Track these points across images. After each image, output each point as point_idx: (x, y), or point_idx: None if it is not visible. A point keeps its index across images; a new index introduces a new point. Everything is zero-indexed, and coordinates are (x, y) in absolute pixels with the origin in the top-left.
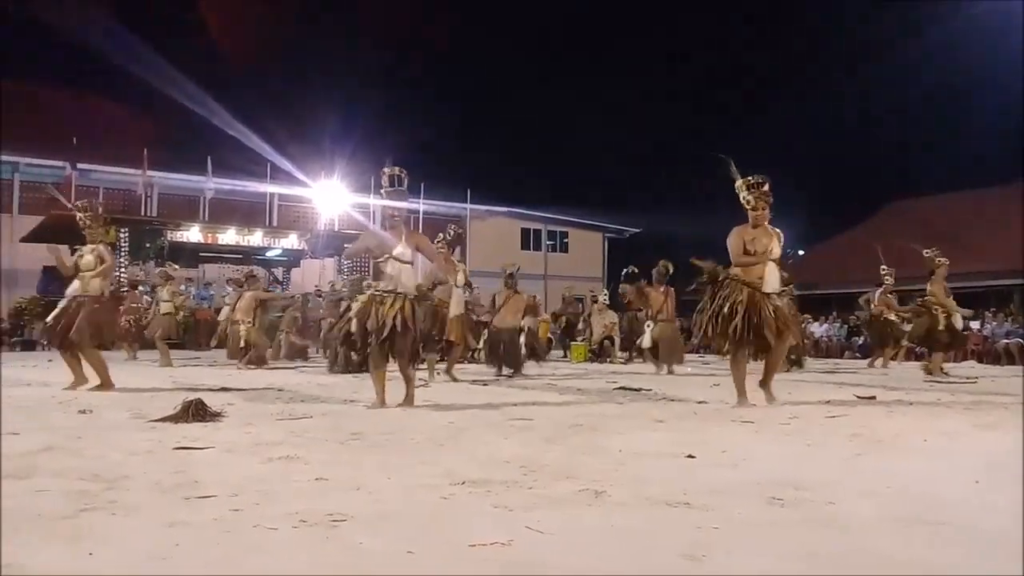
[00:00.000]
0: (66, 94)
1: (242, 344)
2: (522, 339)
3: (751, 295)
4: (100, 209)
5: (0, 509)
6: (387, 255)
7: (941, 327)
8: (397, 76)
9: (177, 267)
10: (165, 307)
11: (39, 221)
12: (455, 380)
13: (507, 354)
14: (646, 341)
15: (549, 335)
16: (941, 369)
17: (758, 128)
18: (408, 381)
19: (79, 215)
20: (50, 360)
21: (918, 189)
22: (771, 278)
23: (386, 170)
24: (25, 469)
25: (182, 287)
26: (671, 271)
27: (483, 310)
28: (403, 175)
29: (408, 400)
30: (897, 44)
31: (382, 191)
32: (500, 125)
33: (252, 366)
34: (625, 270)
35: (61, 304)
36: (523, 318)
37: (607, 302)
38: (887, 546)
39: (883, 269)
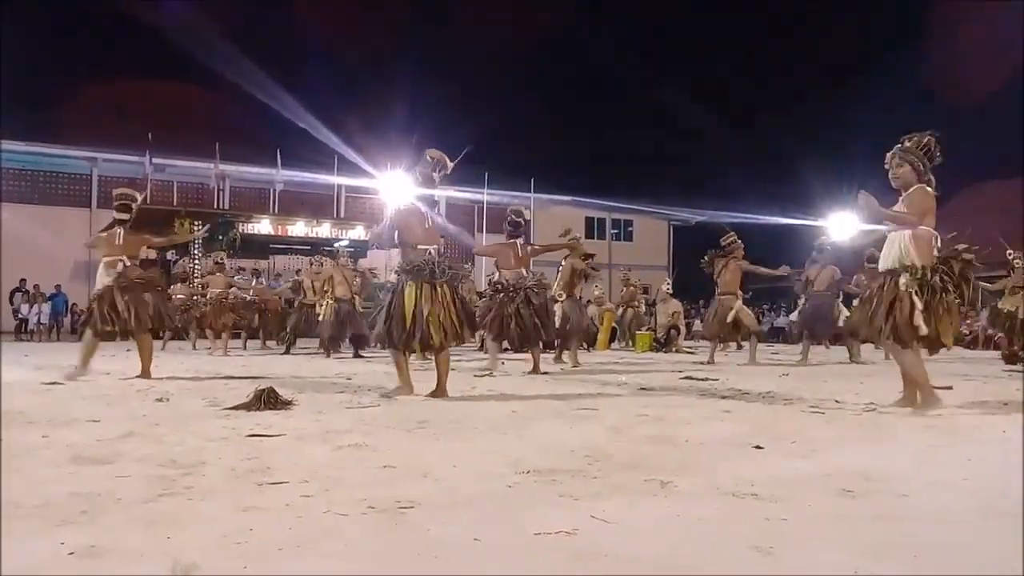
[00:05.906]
0: (142, 89)
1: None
2: None
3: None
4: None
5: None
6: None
7: None
8: (462, 67)
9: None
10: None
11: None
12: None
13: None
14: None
15: (613, 324)
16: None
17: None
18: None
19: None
20: (128, 350)
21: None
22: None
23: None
24: (107, 455)
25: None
26: (733, 241)
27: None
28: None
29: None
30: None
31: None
32: (564, 114)
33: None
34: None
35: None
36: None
37: (670, 291)
38: (961, 540)
39: (1010, 253)
